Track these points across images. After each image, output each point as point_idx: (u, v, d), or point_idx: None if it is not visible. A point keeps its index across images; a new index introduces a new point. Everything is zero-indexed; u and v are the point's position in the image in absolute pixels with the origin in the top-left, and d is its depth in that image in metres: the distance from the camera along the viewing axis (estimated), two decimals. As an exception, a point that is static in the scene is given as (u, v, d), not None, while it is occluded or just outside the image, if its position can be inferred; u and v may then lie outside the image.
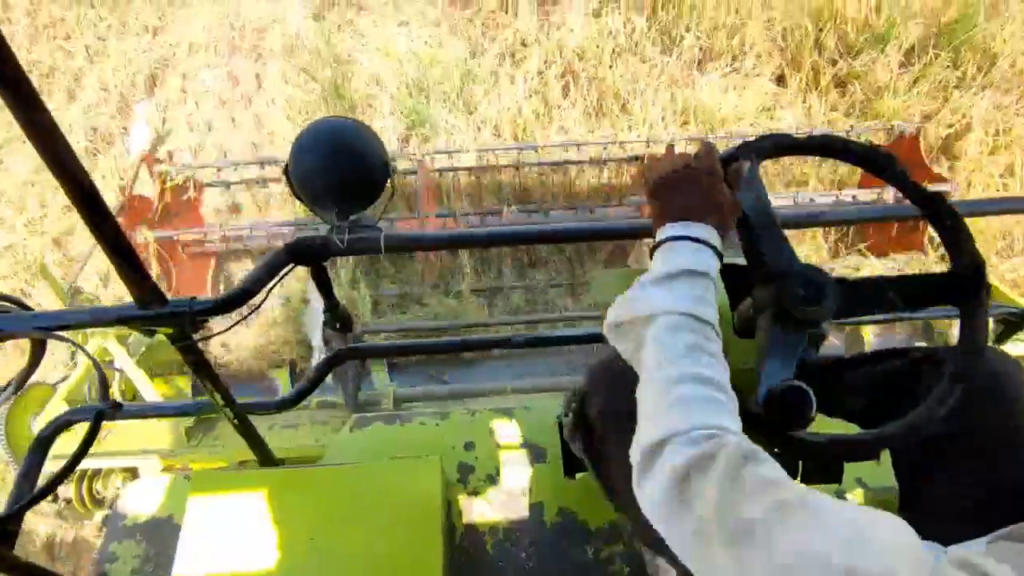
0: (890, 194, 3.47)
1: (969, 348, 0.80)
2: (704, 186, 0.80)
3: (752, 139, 0.88)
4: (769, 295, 0.80)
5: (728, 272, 1.01)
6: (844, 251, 3.90)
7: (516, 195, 3.98)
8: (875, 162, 0.87)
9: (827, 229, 3.89)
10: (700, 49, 4.67)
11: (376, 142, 1.06)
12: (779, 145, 0.87)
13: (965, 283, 0.80)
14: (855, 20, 4.53)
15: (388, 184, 1.08)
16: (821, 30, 4.59)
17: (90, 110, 4.75)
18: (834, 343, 3.09)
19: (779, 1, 4.67)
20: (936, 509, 0.86)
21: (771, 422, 0.75)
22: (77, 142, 4.52)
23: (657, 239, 0.79)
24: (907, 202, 0.87)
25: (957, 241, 0.83)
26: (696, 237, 0.76)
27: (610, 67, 4.52)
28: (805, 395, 0.73)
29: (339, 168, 1.02)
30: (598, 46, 4.59)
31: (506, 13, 4.89)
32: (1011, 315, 1.50)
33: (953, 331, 3.28)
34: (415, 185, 3.59)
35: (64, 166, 0.73)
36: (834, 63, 4.54)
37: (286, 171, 1.05)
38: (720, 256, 0.79)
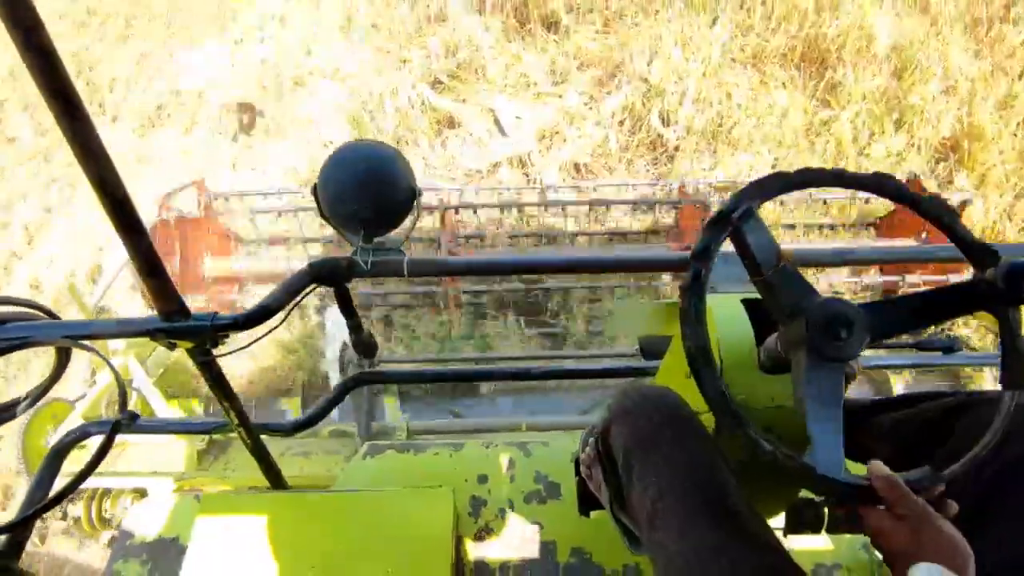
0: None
1: (1015, 348, 0.77)
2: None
3: (752, 183, 0.86)
4: (797, 335, 0.78)
5: (752, 307, 1.00)
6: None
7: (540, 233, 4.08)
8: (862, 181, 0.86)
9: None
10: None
11: (404, 166, 1.07)
12: (776, 186, 0.86)
13: (1001, 290, 0.76)
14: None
15: (414, 208, 1.09)
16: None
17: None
18: (861, 390, 3.01)
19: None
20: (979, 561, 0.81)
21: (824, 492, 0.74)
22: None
23: None
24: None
25: (972, 247, 0.81)
26: None
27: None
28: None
29: (367, 190, 1.03)
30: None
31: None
32: None
33: (980, 379, 3.18)
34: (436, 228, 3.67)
35: (103, 178, 0.75)
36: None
37: (314, 191, 1.07)
38: None
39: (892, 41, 4.94)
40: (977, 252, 0.81)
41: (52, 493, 1.02)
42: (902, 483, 0.73)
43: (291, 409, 3.37)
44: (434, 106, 4.71)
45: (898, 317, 0.81)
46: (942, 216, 0.83)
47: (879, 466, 0.75)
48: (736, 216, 0.82)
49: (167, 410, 2.80)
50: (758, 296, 1.02)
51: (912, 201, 0.84)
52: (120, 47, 5.60)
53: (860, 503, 0.74)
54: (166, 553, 1.42)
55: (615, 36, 5.19)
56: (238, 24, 5.65)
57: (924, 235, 3.66)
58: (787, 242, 3.98)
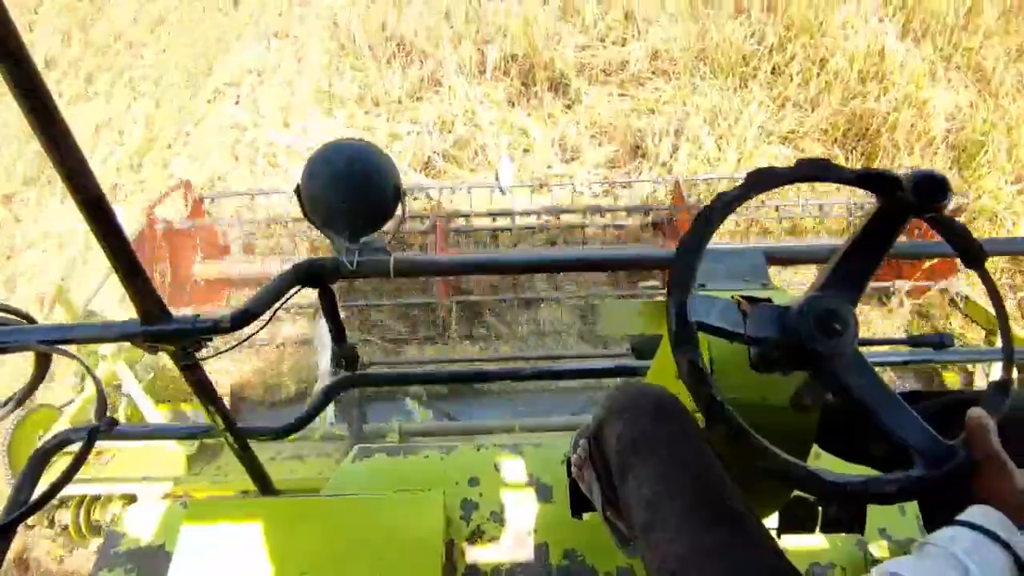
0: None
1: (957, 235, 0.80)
2: None
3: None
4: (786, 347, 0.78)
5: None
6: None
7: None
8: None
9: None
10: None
11: (389, 165, 1.06)
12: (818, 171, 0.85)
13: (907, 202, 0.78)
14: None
15: (399, 208, 1.08)
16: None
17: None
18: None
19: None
20: None
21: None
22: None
23: None
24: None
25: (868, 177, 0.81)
26: None
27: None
28: None
29: (351, 190, 1.02)
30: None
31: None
32: None
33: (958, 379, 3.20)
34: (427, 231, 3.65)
35: (76, 177, 0.74)
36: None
37: (298, 191, 1.05)
38: None
39: (950, 120, 4.50)
40: (873, 180, 0.81)
41: (32, 500, 1.00)
42: (993, 433, 0.72)
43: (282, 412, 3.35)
44: (429, 196, 4.15)
45: (849, 271, 0.82)
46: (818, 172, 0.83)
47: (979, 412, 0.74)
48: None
49: (157, 415, 2.77)
50: (748, 294, 1.01)
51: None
52: (80, 107, 5.27)
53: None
54: (152, 561, 1.39)
55: (632, 100, 4.82)
56: (213, 80, 5.32)
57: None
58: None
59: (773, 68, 4.92)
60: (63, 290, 2.95)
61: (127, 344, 3.02)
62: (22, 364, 3.50)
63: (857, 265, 0.82)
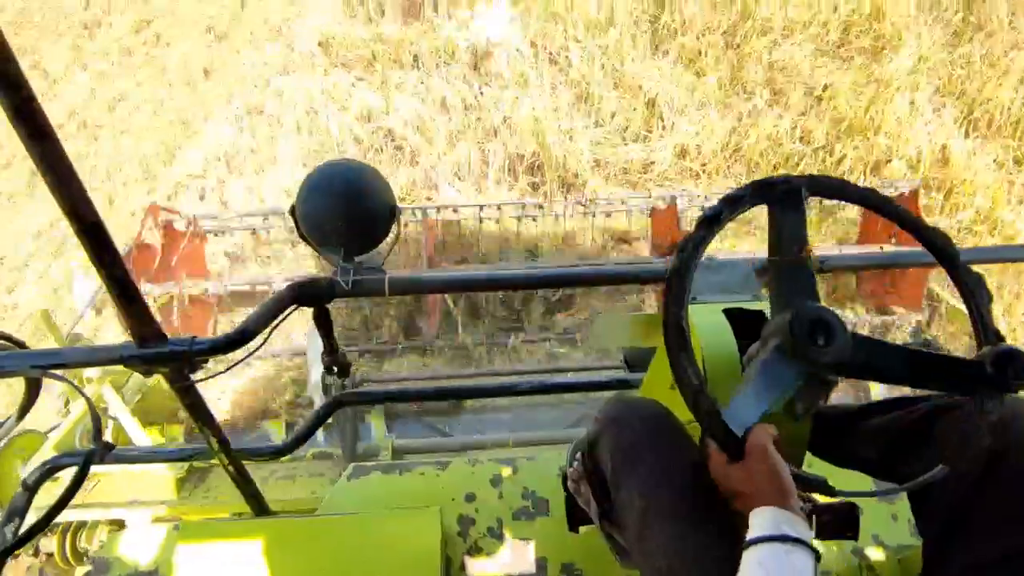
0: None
1: (975, 442, 0.79)
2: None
3: (813, 175, 0.88)
4: (780, 323, 0.79)
5: (736, 316, 1.01)
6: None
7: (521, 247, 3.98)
8: (926, 234, 0.87)
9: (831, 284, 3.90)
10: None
11: (383, 186, 1.07)
12: (831, 188, 0.87)
13: (989, 376, 0.76)
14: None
15: (394, 227, 1.09)
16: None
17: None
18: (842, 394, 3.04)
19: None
20: (969, 568, 0.82)
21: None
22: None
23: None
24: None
25: (986, 328, 0.81)
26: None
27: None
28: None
29: (346, 210, 1.03)
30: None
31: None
32: None
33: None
34: (421, 239, 3.63)
35: (74, 203, 0.74)
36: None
37: (292, 212, 1.06)
38: None
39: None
40: (985, 331, 0.81)
41: (23, 530, 0.99)
42: (771, 452, 0.76)
43: (275, 431, 3.31)
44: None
45: (880, 360, 0.81)
46: (978, 294, 0.83)
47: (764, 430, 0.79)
48: (784, 189, 0.84)
49: (145, 438, 2.72)
50: (739, 306, 1.03)
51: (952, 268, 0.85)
52: (20, 205, 4.65)
53: (731, 456, 0.77)
54: None
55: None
56: (174, 171, 4.60)
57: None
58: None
59: (820, 171, 4.31)
60: (47, 313, 2.91)
61: (114, 367, 2.98)
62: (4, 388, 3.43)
63: (885, 363, 0.82)
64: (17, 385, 1.06)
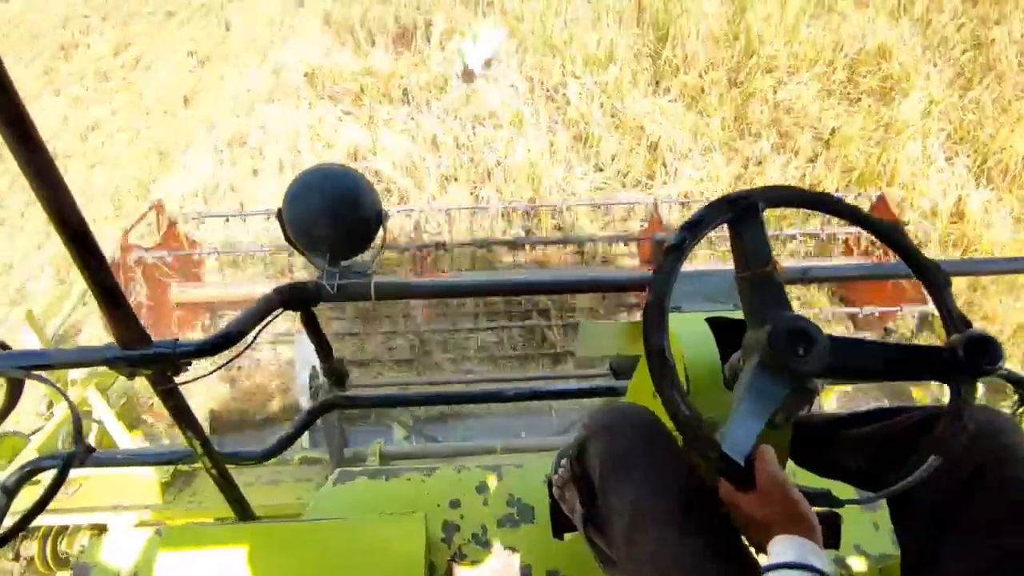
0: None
1: (957, 426, 0.79)
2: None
3: (767, 186, 0.89)
4: (757, 340, 0.80)
5: (719, 325, 1.02)
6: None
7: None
8: (877, 227, 0.89)
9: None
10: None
11: (370, 190, 1.08)
12: (787, 197, 0.88)
13: (961, 362, 0.79)
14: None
15: (381, 232, 1.09)
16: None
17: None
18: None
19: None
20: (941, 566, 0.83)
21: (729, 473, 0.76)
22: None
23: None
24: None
25: (952, 316, 0.82)
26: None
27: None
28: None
29: (333, 214, 1.03)
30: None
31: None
32: None
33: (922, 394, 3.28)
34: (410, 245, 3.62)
35: (61, 209, 0.74)
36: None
37: (279, 215, 1.06)
38: None
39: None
40: (952, 319, 0.83)
41: (2, 531, 0.98)
42: (780, 475, 0.77)
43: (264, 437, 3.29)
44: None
45: (859, 360, 0.83)
46: (938, 282, 0.85)
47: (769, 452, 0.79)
48: (742, 206, 0.84)
49: (129, 441, 2.70)
50: (722, 315, 1.04)
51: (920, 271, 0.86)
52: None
53: (741, 487, 0.77)
54: None
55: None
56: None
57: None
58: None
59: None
60: (32, 314, 2.88)
61: (99, 369, 2.95)
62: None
63: (866, 361, 0.84)
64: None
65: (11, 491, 1.07)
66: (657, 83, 5.10)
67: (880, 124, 4.77)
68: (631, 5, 5.37)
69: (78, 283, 3.33)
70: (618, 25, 5.27)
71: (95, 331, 3.72)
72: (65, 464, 0.92)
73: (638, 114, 4.73)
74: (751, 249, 0.83)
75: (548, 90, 4.98)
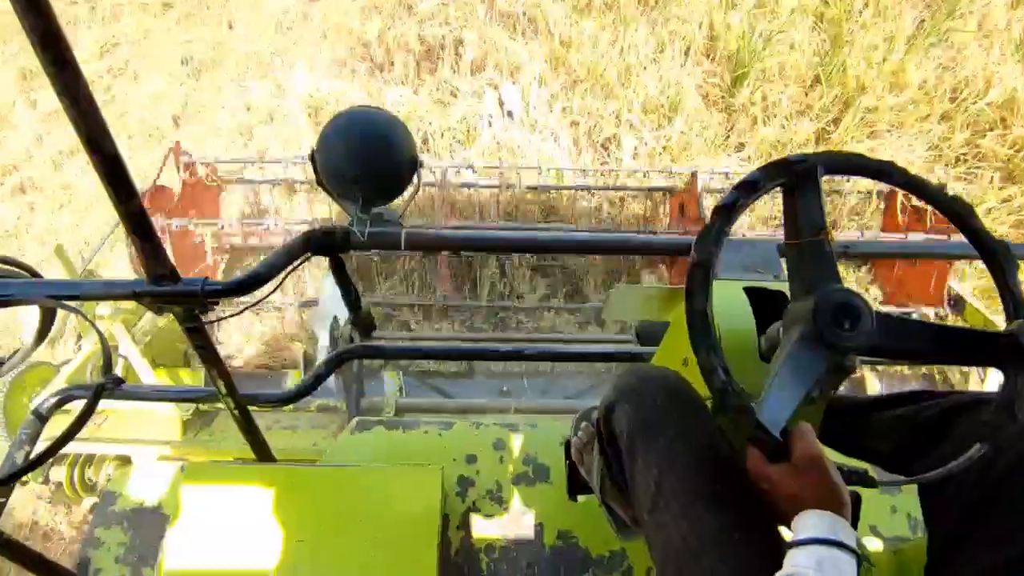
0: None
1: (1007, 416, 0.76)
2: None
3: (828, 151, 0.84)
4: (803, 310, 0.77)
5: (756, 296, 0.99)
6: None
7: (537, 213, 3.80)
8: (942, 200, 0.84)
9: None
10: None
11: (406, 136, 1.05)
12: (848, 164, 0.83)
13: (1021, 348, 0.75)
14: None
15: (415, 180, 1.07)
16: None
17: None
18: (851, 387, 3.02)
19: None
20: (980, 568, 0.81)
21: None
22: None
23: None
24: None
25: (1016, 299, 0.78)
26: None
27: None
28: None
29: (367, 158, 1.01)
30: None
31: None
32: None
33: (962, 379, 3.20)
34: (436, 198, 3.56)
35: (93, 135, 0.74)
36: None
37: (312, 158, 1.04)
38: None
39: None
40: (1015, 302, 0.79)
41: (33, 455, 1.00)
42: (818, 451, 0.75)
43: (292, 377, 3.33)
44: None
45: (907, 339, 0.79)
46: (1003, 262, 0.80)
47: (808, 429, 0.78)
48: (800, 168, 0.80)
49: (153, 379, 2.76)
50: (760, 285, 1.01)
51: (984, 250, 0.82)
52: None
53: (774, 458, 0.76)
54: (148, 521, 1.40)
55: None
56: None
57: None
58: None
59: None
60: (61, 248, 2.92)
61: (126, 306, 3.00)
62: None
63: (913, 340, 0.80)
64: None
65: (44, 416, 1.10)
66: (727, 135, 4.20)
67: (1006, 203, 3.87)
68: (702, 32, 4.41)
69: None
70: (684, 56, 4.34)
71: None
72: (96, 392, 0.93)
73: (706, 181, 3.75)
74: (805, 215, 0.80)
75: (596, 141, 4.16)
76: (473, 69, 4.32)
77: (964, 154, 4.14)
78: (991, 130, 4.13)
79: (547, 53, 4.39)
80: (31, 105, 4.48)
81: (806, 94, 4.31)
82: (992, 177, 4.02)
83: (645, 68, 4.29)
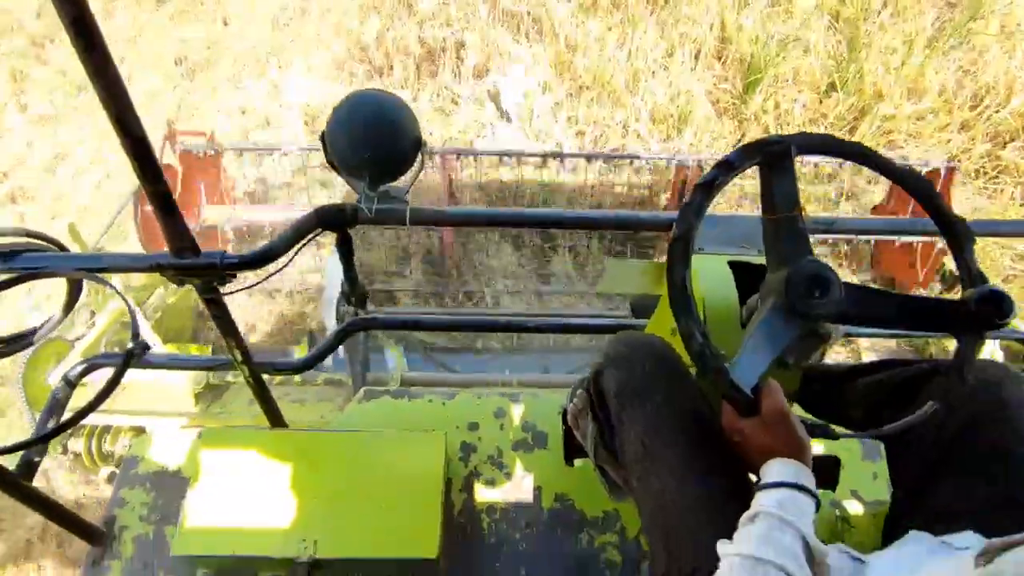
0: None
1: (958, 378, 0.82)
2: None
3: (801, 132, 0.90)
4: (777, 280, 0.83)
5: (738, 268, 1.04)
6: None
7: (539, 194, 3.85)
8: (908, 180, 0.89)
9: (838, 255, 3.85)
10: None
11: (411, 118, 1.10)
12: (820, 144, 0.89)
13: (972, 317, 0.81)
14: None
15: (419, 159, 1.12)
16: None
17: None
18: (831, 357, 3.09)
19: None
20: (935, 516, 0.87)
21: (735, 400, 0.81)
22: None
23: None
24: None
25: (971, 271, 0.84)
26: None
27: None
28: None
29: (374, 139, 1.06)
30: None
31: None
32: None
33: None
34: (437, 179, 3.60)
35: (122, 116, 0.78)
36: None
37: (323, 138, 1.09)
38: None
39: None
40: (970, 275, 0.84)
41: (63, 420, 1.07)
42: (783, 406, 0.81)
43: (297, 351, 3.42)
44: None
45: (872, 307, 0.85)
46: (961, 237, 0.86)
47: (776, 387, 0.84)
48: (775, 149, 0.85)
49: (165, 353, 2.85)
50: (743, 259, 1.06)
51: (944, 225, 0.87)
52: None
53: (745, 412, 0.82)
54: (168, 483, 1.48)
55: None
56: None
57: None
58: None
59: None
60: (74, 226, 2.99)
61: (137, 282, 3.06)
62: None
63: (880, 309, 0.86)
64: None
65: (73, 383, 1.17)
66: (739, 141, 4.04)
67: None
68: (713, 34, 4.21)
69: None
70: (694, 60, 4.14)
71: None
72: (126, 359, 1.00)
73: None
74: (780, 193, 0.85)
75: (603, 149, 3.98)
76: (475, 73, 4.15)
77: (984, 166, 3.96)
78: (1012, 140, 3.95)
79: (552, 57, 4.21)
80: (21, 109, 4.36)
81: (821, 101, 4.13)
82: (1013, 192, 3.86)
83: (654, 73, 4.10)
